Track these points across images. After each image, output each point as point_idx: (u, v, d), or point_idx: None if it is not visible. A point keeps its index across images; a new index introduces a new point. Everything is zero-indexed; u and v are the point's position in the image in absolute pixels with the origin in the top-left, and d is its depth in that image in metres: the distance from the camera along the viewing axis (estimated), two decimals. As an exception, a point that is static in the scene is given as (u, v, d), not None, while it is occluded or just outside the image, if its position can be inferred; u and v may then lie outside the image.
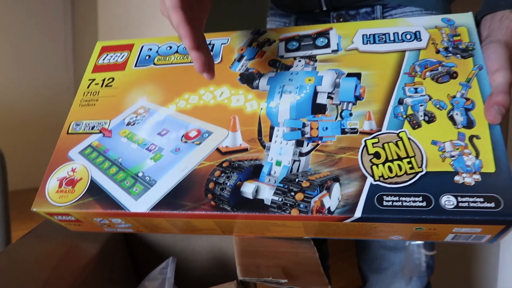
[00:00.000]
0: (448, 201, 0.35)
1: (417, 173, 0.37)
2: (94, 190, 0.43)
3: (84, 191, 0.44)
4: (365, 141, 0.40)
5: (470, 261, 1.21)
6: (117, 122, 0.48)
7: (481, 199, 0.34)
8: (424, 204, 0.35)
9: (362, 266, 0.62)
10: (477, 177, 0.35)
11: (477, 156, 0.36)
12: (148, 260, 0.58)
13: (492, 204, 0.34)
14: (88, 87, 0.53)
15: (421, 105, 0.40)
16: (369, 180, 0.37)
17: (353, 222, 0.37)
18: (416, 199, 0.35)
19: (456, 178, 0.36)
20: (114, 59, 0.55)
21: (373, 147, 0.39)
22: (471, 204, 0.34)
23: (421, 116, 0.40)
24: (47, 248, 0.47)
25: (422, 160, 0.37)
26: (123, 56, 0.55)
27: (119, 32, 2.33)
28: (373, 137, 0.40)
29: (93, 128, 0.49)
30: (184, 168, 0.42)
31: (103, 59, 0.55)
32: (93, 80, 0.54)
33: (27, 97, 3.02)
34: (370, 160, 0.38)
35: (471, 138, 0.38)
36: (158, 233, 0.48)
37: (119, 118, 0.49)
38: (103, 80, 0.53)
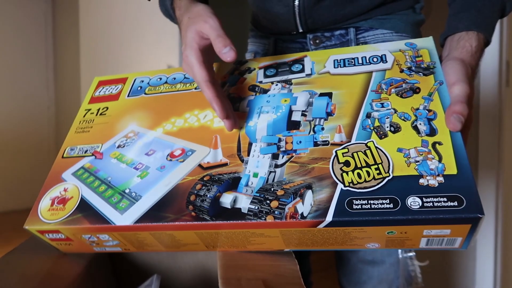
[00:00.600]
0: (414, 201, 0.36)
1: (384, 178, 0.39)
2: (84, 207, 0.46)
3: (74, 208, 0.46)
4: (335, 151, 0.42)
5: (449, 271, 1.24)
6: (108, 145, 0.52)
7: (445, 199, 0.36)
8: (391, 205, 0.37)
9: (341, 279, 0.63)
10: (440, 179, 0.37)
11: (439, 160, 0.39)
12: (133, 279, 0.58)
13: (455, 203, 0.36)
14: (84, 116, 0.57)
15: (387, 118, 0.43)
16: (340, 186, 0.39)
17: (326, 228, 0.39)
18: (384, 201, 0.37)
19: (421, 180, 0.38)
20: (109, 91, 0.59)
21: (343, 156, 0.42)
22: (436, 204, 0.36)
23: (387, 127, 0.43)
24: (30, 265, 0.48)
25: (389, 166, 0.39)
26: (117, 88, 0.59)
27: (101, 50, 2.41)
28: (343, 148, 0.42)
29: (86, 151, 0.52)
30: (168, 183, 0.45)
31: (99, 92, 0.60)
32: (89, 110, 0.58)
33: (7, 116, 2.97)
34: (341, 168, 0.41)
35: (434, 144, 0.40)
36: (145, 251, 0.49)
37: (111, 141, 0.52)
38: (98, 110, 0.57)
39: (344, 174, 0.40)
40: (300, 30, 0.64)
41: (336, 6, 0.61)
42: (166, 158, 0.48)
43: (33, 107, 3.08)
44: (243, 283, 0.42)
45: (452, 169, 0.38)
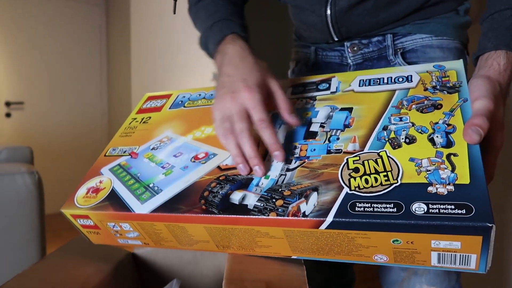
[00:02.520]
0: (419, 207, 0.35)
1: (391, 184, 0.38)
2: (113, 197, 0.50)
3: (104, 197, 0.50)
4: (347, 159, 0.42)
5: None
6: (144, 147, 0.57)
7: (452, 206, 0.34)
8: (394, 210, 0.36)
9: (382, 280, 0.58)
10: (451, 187, 0.36)
11: (452, 170, 0.37)
12: (157, 284, 0.60)
13: (463, 211, 0.34)
14: (129, 123, 0.64)
15: (403, 130, 0.43)
16: (345, 189, 0.39)
17: (328, 230, 0.38)
18: (388, 205, 0.36)
19: (430, 188, 0.36)
20: (154, 104, 0.66)
21: (354, 163, 0.42)
22: (442, 211, 0.34)
23: (402, 138, 0.42)
24: (59, 271, 0.52)
25: (398, 174, 0.39)
26: (162, 102, 0.66)
27: (150, 62, 2.57)
28: (355, 156, 0.42)
29: (125, 152, 0.57)
30: (187, 181, 0.48)
31: (146, 105, 0.67)
32: (135, 119, 0.64)
33: (64, 124, 3.21)
34: (349, 174, 0.41)
35: (448, 155, 0.39)
36: (163, 247, 0.51)
37: (147, 144, 0.57)
38: (142, 119, 0.63)
39: (352, 179, 0.40)
40: (336, 39, 0.66)
41: (368, 14, 0.61)
42: (191, 160, 0.51)
43: (88, 115, 3.33)
44: (246, 285, 0.42)
45: (464, 179, 0.36)
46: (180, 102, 0.64)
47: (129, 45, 2.82)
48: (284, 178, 0.43)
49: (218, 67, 0.54)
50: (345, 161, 0.42)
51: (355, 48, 0.66)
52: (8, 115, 2.99)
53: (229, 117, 0.47)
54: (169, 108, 0.63)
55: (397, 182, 0.38)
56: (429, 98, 0.46)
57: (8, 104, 2.99)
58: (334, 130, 0.47)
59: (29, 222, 0.94)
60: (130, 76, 2.82)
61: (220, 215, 0.42)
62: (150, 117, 0.63)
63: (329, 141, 0.46)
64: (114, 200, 0.49)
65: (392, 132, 0.43)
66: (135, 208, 0.47)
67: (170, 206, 0.45)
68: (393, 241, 0.37)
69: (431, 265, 0.38)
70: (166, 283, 0.57)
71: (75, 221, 0.53)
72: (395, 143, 0.42)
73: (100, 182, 0.53)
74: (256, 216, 0.41)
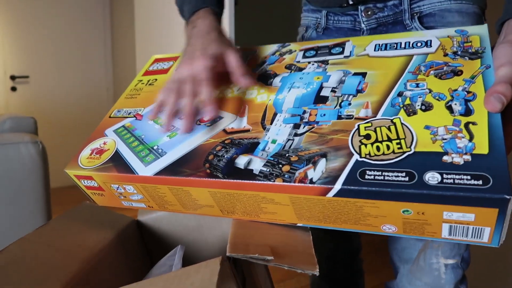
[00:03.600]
0: (432, 177, 0.33)
1: (404, 152, 0.36)
2: (116, 158, 0.49)
3: (108, 158, 0.50)
4: (358, 125, 0.40)
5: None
6: (149, 109, 0.55)
7: (468, 177, 0.33)
8: (406, 179, 0.34)
9: (393, 256, 0.58)
10: (468, 157, 0.34)
11: (470, 140, 0.35)
12: (161, 251, 0.60)
13: (480, 182, 0.32)
14: (135, 85, 0.62)
15: (419, 97, 0.41)
16: (355, 157, 0.38)
17: (336, 198, 0.37)
18: (399, 174, 0.35)
19: (445, 157, 0.35)
20: (161, 66, 0.64)
21: (365, 130, 0.40)
22: (457, 181, 0.33)
23: (418, 105, 0.40)
24: (62, 236, 0.51)
25: (412, 142, 0.37)
26: (169, 64, 0.64)
27: (155, 35, 2.54)
28: (367, 122, 0.40)
29: (129, 113, 0.56)
30: (191, 143, 0.47)
31: (153, 67, 0.65)
32: (141, 81, 0.63)
33: (70, 98, 3.23)
34: (360, 141, 0.39)
35: (466, 124, 0.37)
36: (167, 210, 0.51)
37: (152, 106, 0.56)
38: (148, 81, 0.62)
39: (362, 146, 0.38)
40: (351, 2, 0.63)
41: None
42: (196, 123, 0.50)
43: (94, 89, 3.33)
44: (250, 248, 0.41)
45: (483, 149, 0.34)
46: (187, 65, 0.61)
47: (133, 17, 2.78)
48: (292, 143, 0.42)
49: (187, 37, 0.57)
50: (356, 127, 0.40)
51: (369, 13, 0.63)
52: (13, 89, 3.02)
53: (179, 80, 0.50)
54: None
55: (411, 150, 0.36)
56: (449, 64, 0.43)
57: (13, 78, 3.01)
58: (346, 95, 0.44)
59: (34, 192, 0.94)
60: (135, 49, 2.78)
61: (224, 180, 0.41)
62: (156, 79, 0.61)
63: (340, 106, 0.44)
64: (117, 162, 0.48)
65: (408, 98, 0.41)
66: (138, 170, 0.46)
67: (174, 169, 0.44)
68: (403, 211, 0.35)
69: (441, 237, 0.37)
70: (170, 250, 0.57)
71: (79, 182, 0.52)
72: (410, 110, 0.40)
73: (104, 143, 0.52)
74: (262, 182, 0.39)
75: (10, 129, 1.09)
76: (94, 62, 3.36)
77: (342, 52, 0.51)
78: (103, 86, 3.43)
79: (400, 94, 0.42)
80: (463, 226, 0.35)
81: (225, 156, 0.43)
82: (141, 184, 0.47)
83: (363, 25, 0.65)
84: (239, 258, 0.41)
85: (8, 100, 3.02)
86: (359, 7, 0.64)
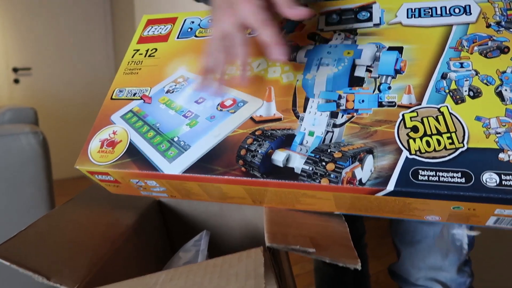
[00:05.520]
0: (490, 178, 0.33)
1: (457, 148, 0.35)
2: (132, 151, 0.45)
3: (123, 152, 0.46)
4: (403, 114, 0.38)
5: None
6: (157, 89, 0.50)
7: None
8: (463, 180, 0.33)
9: (395, 238, 0.60)
10: None
11: None
12: (182, 233, 0.60)
13: None
14: (132, 56, 0.55)
15: (466, 80, 0.38)
16: (405, 153, 0.36)
17: (385, 196, 0.36)
18: (455, 175, 0.34)
19: (501, 155, 0.34)
20: (158, 31, 0.57)
21: (411, 121, 0.38)
22: None
23: (465, 91, 0.38)
24: (86, 215, 0.50)
25: (463, 136, 0.35)
26: (166, 28, 0.56)
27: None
28: (412, 111, 0.38)
29: (134, 94, 0.51)
30: (217, 135, 0.43)
31: (148, 31, 0.57)
32: (138, 50, 0.56)
33: (73, 89, 3.15)
34: (407, 134, 0.37)
35: None
36: (191, 199, 0.49)
37: (160, 86, 0.50)
38: (147, 51, 0.55)
39: (411, 141, 0.36)
40: None
41: None
42: (216, 108, 0.46)
43: (96, 80, 3.25)
44: (289, 239, 0.41)
45: None
46: (189, 30, 0.55)
47: (133, 7, 2.50)
48: (332, 136, 0.39)
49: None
50: (400, 117, 0.38)
51: None
52: (16, 81, 2.93)
53: (224, 35, 0.40)
54: (177, 38, 0.54)
55: (463, 146, 0.35)
56: (494, 38, 0.40)
57: (15, 70, 2.92)
58: (384, 77, 0.41)
59: (36, 183, 0.89)
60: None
61: (264, 179, 0.39)
62: (156, 49, 0.54)
63: (379, 90, 0.41)
64: (136, 156, 0.45)
65: (453, 82, 0.39)
66: (163, 168, 0.43)
67: (204, 166, 0.41)
68: (453, 207, 0.35)
69: (485, 224, 0.38)
70: (192, 233, 0.56)
71: (92, 176, 0.48)
72: (458, 97, 0.38)
73: (114, 133, 0.48)
74: (306, 182, 0.38)
75: (10, 121, 1.01)
76: (96, 52, 3.22)
77: (370, 19, 0.46)
78: (106, 76, 3.27)
79: (444, 76, 0.39)
80: (511, 219, 0.35)
81: (260, 151, 0.41)
82: (166, 180, 0.44)
83: None
84: (274, 248, 0.41)
85: (11, 92, 2.94)
86: None
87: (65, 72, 3.13)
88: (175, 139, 0.45)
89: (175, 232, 0.61)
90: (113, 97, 0.52)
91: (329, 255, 0.39)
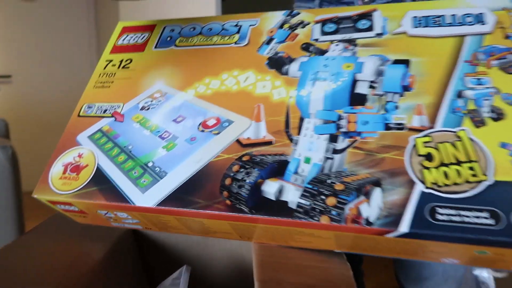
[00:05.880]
0: None
1: (481, 181, 0.30)
2: (99, 178, 0.39)
3: (89, 179, 0.39)
4: (414, 139, 0.33)
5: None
6: (131, 106, 0.44)
7: None
8: (491, 222, 0.28)
9: (398, 274, 0.54)
10: None
11: None
12: (161, 265, 0.53)
13: None
14: (104, 68, 0.49)
15: (486, 99, 0.33)
16: (419, 186, 0.30)
17: (396, 238, 0.30)
18: (481, 214, 0.28)
19: None
20: (134, 39, 0.51)
21: (425, 147, 0.32)
22: None
23: (486, 112, 0.33)
24: (52, 247, 0.43)
25: (487, 166, 0.30)
26: (143, 36, 0.50)
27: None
28: (425, 135, 0.33)
29: (105, 111, 0.44)
30: (199, 160, 0.37)
31: (123, 40, 0.51)
32: (111, 61, 0.49)
33: (55, 97, 3.05)
34: (420, 163, 0.32)
35: None
36: (169, 232, 0.43)
37: (134, 101, 0.44)
38: (121, 62, 0.49)
39: (425, 171, 0.31)
40: None
41: None
42: (198, 128, 0.40)
43: (79, 87, 3.14)
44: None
45: None
46: (168, 39, 0.49)
47: (117, 12, 2.44)
48: (332, 164, 0.34)
49: None
50: (411, 142, 0.33)
51: (367, 1, 0.54)
52: None
53: None
54: (155, 48, 0.48)
55: (488, 178, 0.29)
56: None
57: None
58: (390, 94, 0.36)
59: (3, 201, 0.80)
60: None
61: (252, 215, 0.33)
62: (130, 60, 0.48)
63: (385, 110, 0.35)
64: (103, 185, 0.38)
65: (471, 101, 0.33)
66: (134, 200, 0.37)
67: (183, 198, 0.35)
68: (478, 252, 0.30)
69: (510, 269, 0.32)
70: (171, 264, 0.50)
71: (54, 206, 0.42)
72: (477, 119, 0.32)
73: (80, 156, 0.41)
74: (302, 220, 0.32)
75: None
76: (79, 59, 3.13)
77: (371, 28, 0.41)
78: (87, 82, 3.13)
79: (459, 95, 0.34)
80: None
81: (247, 181, 0.35)
82: (139, 213, 0.38)
83: None
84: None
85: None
86: None
87: (47, 80, 3.04)
88: (150, 164, 0.38)
89: (153, 264, 0.54)
90: (81, 113, 0.45)
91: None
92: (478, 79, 0.35)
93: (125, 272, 0.50)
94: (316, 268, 0.37)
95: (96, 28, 3.19)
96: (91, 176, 0.39)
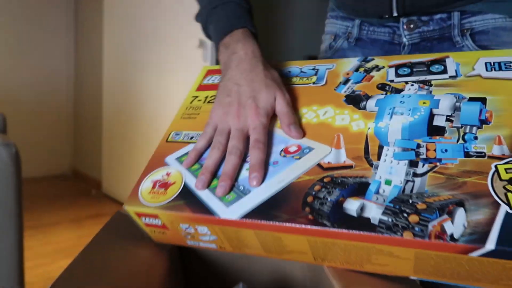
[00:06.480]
0: None
1: None
2: (186, 194, 0.42)
3: (176, 194, 0.43)
4: (495, 166, 0.34)
5: None
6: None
7: None
8: None
9: None
10: None
11: None
12: (204, 277, 0.54)
13: None
14: (191, 102, 0.55)
15: None
16: (504, 208, 0.31)
17: (481, 257, 0.31)
18: None
19: None
20: (218, 79, 0.57)
21: (507, 173, 0.33)
22: None
23: None
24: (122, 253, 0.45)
25: None
26: (227, 78, 0.57)
27: (125, 22, 2.44)
28: (507, 163, 0.34)
29: (192, 138, 0.49)
30: (281, 180, 0.40)
31: (208, 80, 0.58)
32: (196, 97, 0.56)
33: (26, 87, 3.05)
34: (504, 187, 0.32)
35: None
36: (243, 253, 0.44)
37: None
38: (206, 97, 0.55)
39: (510, 194, 0.32)
40: (395, 14, 0.57)
41: None
42: (280, 154, 0.43)
43: (52, 77, 3.16)
44: None
45: None
46: (250, 80, 0.54)
47: (101, 2, 2.62)
48: (413, 186, 0.35)
49: (223, 64, 0.52)
50: (493, 168, 0.34)
51: (412, 26, 0.58)
52: None
53: (225, 131, 0.46)
54: None
55: None
56: None
57: None
58: (468, 127, 0.38)
59: (3, 205, 0.74)
60: (102, 35, 2.62)
61: (335, 229, 0.34)
62: (215, 96, 0.54)
63: (463, 140, 0.37)
64: (190, 199, 0.42)
65: None
66: (220, 212, 0.39)
67: (266, 212, 0.38)
68: None
69: None
70: (214, 276, 0.50)
71: (139, 219, 0.45)
72: None
73: (168, 174, 0.46)
74: (385, 235, 0.33)
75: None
76: (54, 48, 3.12)
77: (445, 71, 0.44)
78: (63, 74, 3.23)
79: None
80: None
81: (329, 199, 0.37)
82: (220, 227, 0.41)
83: (404, 39, 0.60)
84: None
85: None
86: (401, 19, 0.59)
87: (18, 69, 2.99)
88: (235, 183, 0.42)
89: (196, 275, 0.54)
90: (169, 139, 0.51)
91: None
92: None
93: (167, 281, 0.51)
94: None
95: (75, 15, 3.17)
96: (179, 192, 0.43)
